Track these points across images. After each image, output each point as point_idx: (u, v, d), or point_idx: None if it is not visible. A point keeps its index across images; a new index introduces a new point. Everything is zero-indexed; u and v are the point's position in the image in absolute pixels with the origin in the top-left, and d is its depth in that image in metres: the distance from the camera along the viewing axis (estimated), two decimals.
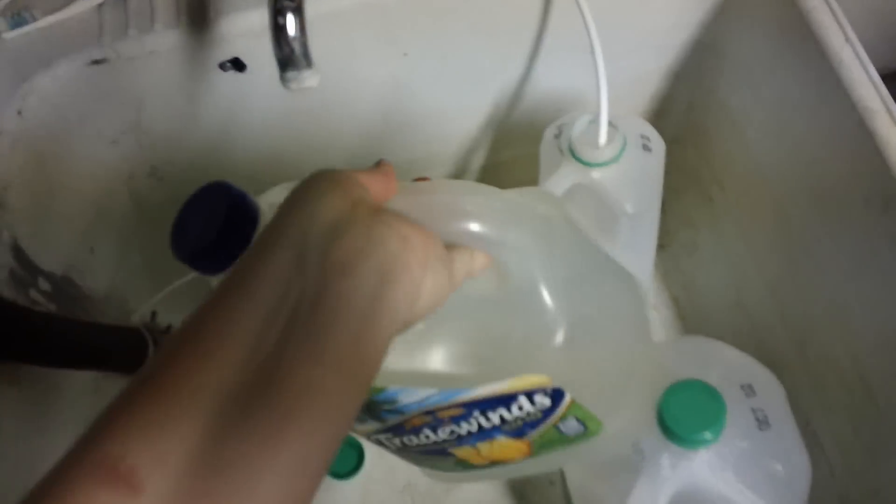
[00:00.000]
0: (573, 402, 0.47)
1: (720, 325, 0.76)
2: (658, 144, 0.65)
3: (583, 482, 0.59)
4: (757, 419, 0.54)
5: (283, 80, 0.48)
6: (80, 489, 0.25)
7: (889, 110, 0.53)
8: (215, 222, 0.43)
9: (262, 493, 0.27)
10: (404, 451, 0.55)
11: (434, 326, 0.43)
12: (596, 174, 0.63)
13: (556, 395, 0.47)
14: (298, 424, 0.28)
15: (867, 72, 0.55)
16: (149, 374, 0.28)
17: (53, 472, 0.26)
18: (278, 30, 0.46)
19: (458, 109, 0.74)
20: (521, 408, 0.47)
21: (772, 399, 0.56)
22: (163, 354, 0.29)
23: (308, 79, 0.48)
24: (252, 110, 0.68)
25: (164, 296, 0.66)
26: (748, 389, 0.55)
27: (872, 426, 0.59)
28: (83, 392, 0.62)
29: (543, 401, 0.47)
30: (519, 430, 0.50)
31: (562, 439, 0.51)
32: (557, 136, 0.66)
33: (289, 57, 0.47)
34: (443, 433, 0.51)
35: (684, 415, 0.49)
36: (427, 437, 0.51)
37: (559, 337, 0.43)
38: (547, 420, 0.49)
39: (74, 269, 0.61)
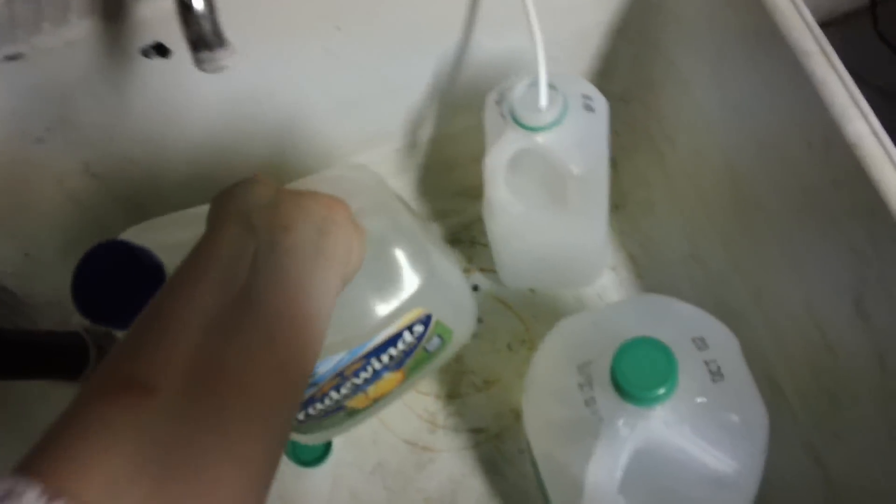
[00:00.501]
0: (437, 322, 0.60)
1: (678, 282, 0.76)
2: (601, 104, 0.64)
3: (547, 450, 0.59)
4: (710, 371, 0.53)
5: (196, 61, 0.47)
6: (105, 398, 0.30)
7: (824, 52, 0.52)
8: (124, 283, 0.47)
9: (257, 387, 0.33)
10: (301, 425, 0.61)
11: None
12: (540, 138, 0.62)
13: (427, 320, 0.59)
14: (272, 343, 0.35)
15: (802, 16, 0.54)
16: (147, 313, 0.35)
17: (82, 394, 0.31)
18: (185, 8, 0.44)
19: (399, 82, 0.73)
20: (404, 341, 0.59)
21: (725, 351, 0.55)
22: (155, 300, 0.35)
23: (222, 59, 0.47)
24: (186, 97, 0.66)
25: None
26: (700, 342, 0.54)
27: (831, 371, 0.59)
28: (34, 399, 0.60)
29: (419, 328, 0.59)
30: (400, 361, 0.60)
31: (427, 357, 0.63)
32: (499, 102, 0.65)
33: (198, 36, 0.45)
34: (345, 389, 0.58)
35: (637, 373, 0.48)
36: (331, 398, 0.58)
37: (424, 276, 0.56)
38: (420, 344, 0.60)
39: (8, 276, 0.59)
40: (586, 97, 0.64)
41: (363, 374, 0.59)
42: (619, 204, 0.81)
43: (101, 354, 0.54)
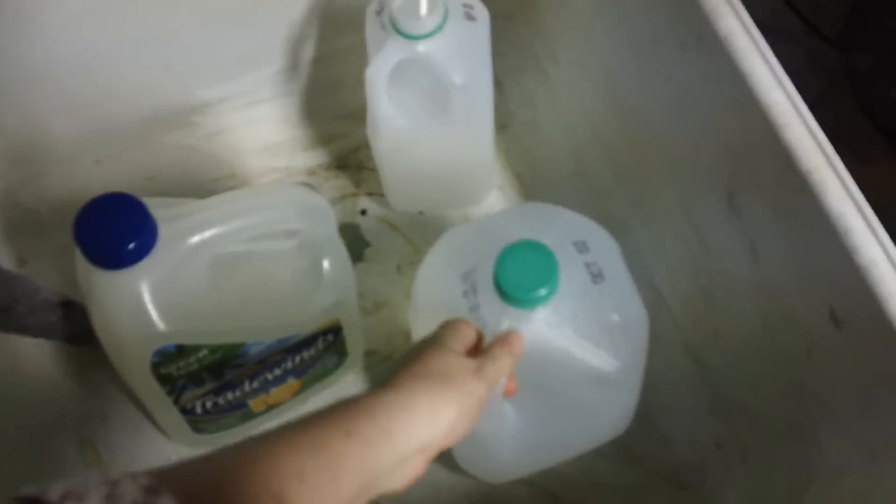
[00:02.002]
0: (343, 339, 0.65)
1: (564, 198, 0.75)
2: (482, 12, 0.64)
3: None
4: (591, 273, 0.54)
5: None
6: None
7: None
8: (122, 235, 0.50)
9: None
10: (206, 415, 0.63)
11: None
12: (421, 47, 0.61)
13: (338, 332, 0.63)
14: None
15: None
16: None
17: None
18: None
19: None
20: (317, 347, 0.63)
21: (606, 254, 0.56)
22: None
23: None
24: (41, 16, 0.62)
25: None
26: (581, 246, 0.55)
27: (706, 269, 0.61)
28: None
29: (329, 338, 0.63)
30: (305, 369, 0.64)
31: (323, 372, 0.67)
32: (379, 13, 0.64)
33: None
34: (257, 382, 0.62)
35: (518, 276, 0.49)
36: (243, 389, 0.62)
37: (350, 287, 0.62)
38: (324, 356, 0.64)
39: None
40: (467, 5, 0.63)
41: (276, 371, 0.62)
42: (505, 124, 0.81)
43: None
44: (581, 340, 0.53)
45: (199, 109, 0.77)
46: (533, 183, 0.79)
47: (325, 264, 0.59)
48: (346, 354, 0.67)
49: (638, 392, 0.61)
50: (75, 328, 0.64)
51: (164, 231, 0.51)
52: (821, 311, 0.50)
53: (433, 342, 0.44)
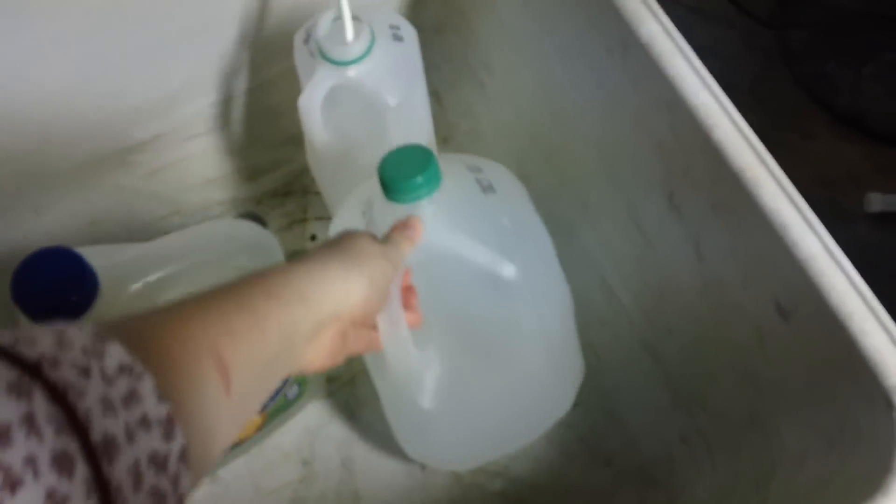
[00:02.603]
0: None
1: (491, 152, 0.76)
2: (409, 32, 0.63)
3: None
4: (481, 186, 0.56)
5: None
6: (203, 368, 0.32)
7: None
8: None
9: None
10: None
11: None
12: (351, 72, 0.60)
13: None
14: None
15: None
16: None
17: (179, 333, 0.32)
18: None
19: (199, 29, 0.69)
20: None
21: (500, 178, 0.58)
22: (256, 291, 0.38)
23: None
24: None
25: None
26: (475, 170, 0.58)
27: (654, 267, 0.62)
28: None
29: None
30: (265, 405, 0.64)
31: (284, 405, 0.66)
32: (306, 41, 0.63)
33: None
34: None
35: (398, 170, 0.51)
36: None
37: None
38: (284, 388, 0.64)
39: None
40: (394, 27, 0.63)
41: None
42: (446, 137, 0.81)
43: None
44: (470, 240, 0.54)
45: (136, 148, 0.76)
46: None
47: None
48: (305, 383, 0.67)
49: (558, 312, 0.60)
50: None
51: (105, 280, 0.50)
52: (767, 304, 0.50)
53: (348, 230, 0.47)
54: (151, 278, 0.53)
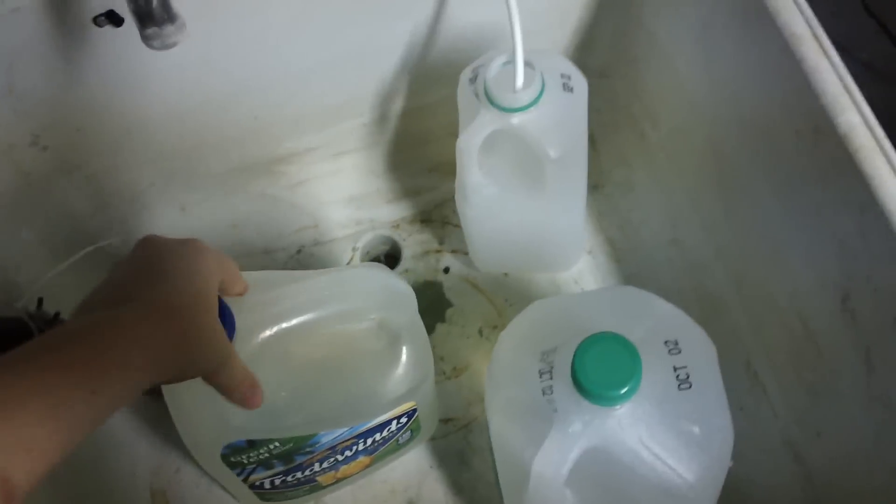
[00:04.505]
0: (416, 419, 0.62)
1: (657, 266, 0.73)
2: (580, 83, 0.61)
3: (502, 434, 0.56)
4: (678, 378, 0.51)
5: (144, 38, 0.43)
6: None
7: (816, 36, 0.49)
8: None
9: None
10: (273, 491, 0.62)
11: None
12: (515, 119, 0.58)
13: (412, 414, 0.61)
14: None
15: None
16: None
17: None
18: None
19: (367, 49, 0.69)
20: (390, 429, 0.61)
21: (698, 357, 0.52)
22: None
23: (172, 35, 0.43)
24: (141, 67, 0.62)
25: (58, 273, 0.61)
26: (673, 346, 0.52)
27: (813, 366, 0.57)
28: None
29: (404, 420, 0.61)
30: (375, 448, 0.62)
31: (396, 448, 0.65)
32: (473, 81, 0.62)
33: (144, 11, 0.42)
34: (327, 463, 0.60)
35: (598, 370, 0.46)
36: (313, 469, 0.60)
37: (426, 373, 0.59)
38: (396, 435, 0.62)
39: None
40: (565, 76, 0.60)
41: (347, 453, 0.60)
42: (597, 184, 0.78)
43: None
44: (655, 447, 0.50)
45: (284, 159, 0.77)
46: (625, 247, 0.75)
47: (404, 352, 0.57)
48: (419, 430, 0.65)
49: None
50: None
51: (241, 324, 0.50)
52: None
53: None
54: (285, 325, 0.52)
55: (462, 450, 0.70)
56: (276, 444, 0.54)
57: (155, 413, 0.71)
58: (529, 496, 0.52)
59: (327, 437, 0.56)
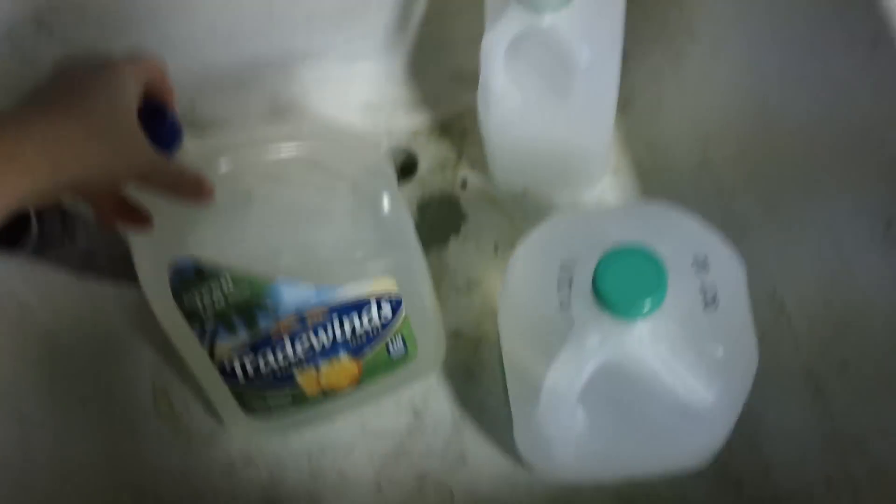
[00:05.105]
0: (406, 319, 0.59)
1: (684, 190, 0.70)
2: None
3: (513, 347, 0.55)
4: (704, 297, 0.48)
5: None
6: None
7: None
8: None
9: None
10: (250, 385, 0.60)
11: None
12: (546, 20, 0.55)
13: (397, 306, 0.58)
14: None
15: None
16: None
17: None
18: None
19: None
20: (369, 318, 0.58)
21: (726, 277, 0.50)
22: None
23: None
24: None
25: None
26: (701, 264, 0.49)
27: (845, 298, 0.55)
28: None
29: (387, 311, 0.58)
30: (360, 346, 0.60)
31: (386, 362, 0.62)
32: None
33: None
34: (300, 346, 0.58)
35: (620, 282, 0.43)
36: (284, 353, 0.58)
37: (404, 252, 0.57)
38: (384, 334, 0.59)
39: None
40: None
41: (322, 335, 0.58)
42: (627, 101, 0.74)
43: (41, 223, 0.49)
44: (675, 367, 0.48)
45: (299, 60, 0.73)
46: (651, 170, 0.72)
47: (379, 215, 0.54)
48: (413, 344, 0.62)
49: (729, 432, 0.55)
50: None
51: (200, 151, 0.49)
52: None
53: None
54: (251, 159, 0.51)
55: (470, 365, 0.68)
56: (230, 282, 0.53)
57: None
58: (540, 412, 0.50)
59: (291, 295, 0.54)
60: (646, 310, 0.43)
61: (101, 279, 0.60)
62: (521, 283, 0.53)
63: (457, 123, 0.77)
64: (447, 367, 0.68)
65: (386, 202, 0.54)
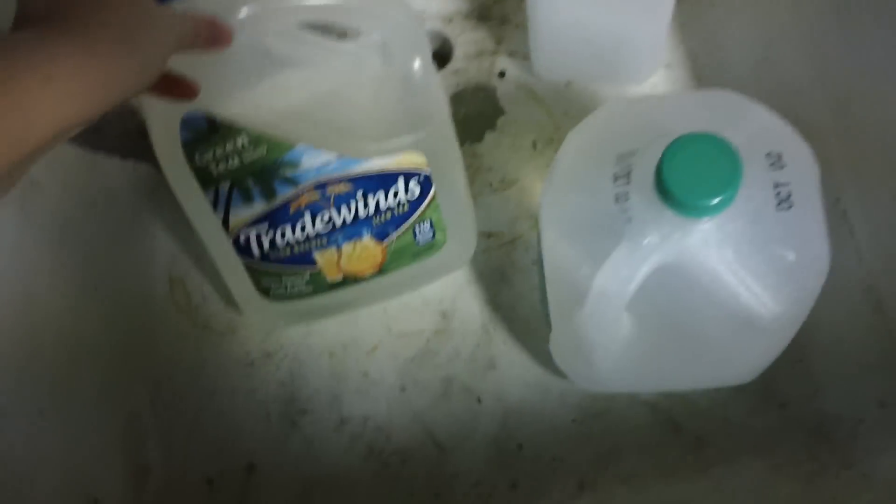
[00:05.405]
0: (435, 201, 0.56)
1: (743, 87, 0.63)
2: None
3: (557, 243, 0.50)
4: (778, 196, 0.44)
5: None
6: None
7: None
8: None
9: None
10: (266, 261, 0.56)
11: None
12: None
13: (426, 185, 0.55)
14: None
15: None
16: None
17: None
18: None
19: None
20: (395, 194, 0.54)
21: (801, 176, 0.45)
22: None
23: None
24: None
25: None
26: (775, 159, 0.44)
27: None
28: None
29: (415, 189, 0.54)
30: (384, 227, 0.56)
31: (412, 250, 0.58)
32: None
33: None
34: (320, 222, 0.54)
35: (689, 175, 0.39)
36: (303, 227, 0.54)
37: (436, 127, 0.52)
38: (411, 215, 0.56)
39: None
40: None
41: (344, 211, 0.54)
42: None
43: None
44: (741, 271, 0.44)
45: None
46: (708, 65, 0.67)
47: (407, 81, 0.50)
48: (442, 231, 0.58)
49: (785, 345, 0.51)
50: None
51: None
52: None
53: None
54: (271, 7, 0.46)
55: (503, 267, 0.64)
56: (244, 140, 0.49)
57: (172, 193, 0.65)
58: (585, 315, 0.46)
59: (311, 161, 0.51)
60: (715, 206, 0.39)
61: (111, 155, 0.56)
62: (570, 175, 0.48)
63: (496, 8, 0.71)
64: (477, 269, 0.65)
65: (417, 68, 0.49)
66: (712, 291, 0.44)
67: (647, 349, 0.50)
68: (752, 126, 0.46)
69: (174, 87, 0.44)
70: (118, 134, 0.55)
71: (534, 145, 0.67)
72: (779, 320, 0.44)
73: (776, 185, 0.44)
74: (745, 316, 0.44)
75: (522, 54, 0.69)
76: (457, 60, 0.70)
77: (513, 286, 0.64)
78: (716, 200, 0.39)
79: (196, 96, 0.44)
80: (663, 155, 0.39)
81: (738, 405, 0.60)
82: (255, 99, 0.48)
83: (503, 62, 0.70)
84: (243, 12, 0.46)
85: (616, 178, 0.45)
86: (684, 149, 0.39)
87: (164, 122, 0.49)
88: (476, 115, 0.68)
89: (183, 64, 0.44)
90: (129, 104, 0.57)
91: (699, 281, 0.44)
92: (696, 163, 0.39)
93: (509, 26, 0.70)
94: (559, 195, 0.49)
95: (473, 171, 0.66)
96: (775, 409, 0.59)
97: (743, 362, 0.52)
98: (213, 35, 0.42)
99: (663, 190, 0.39)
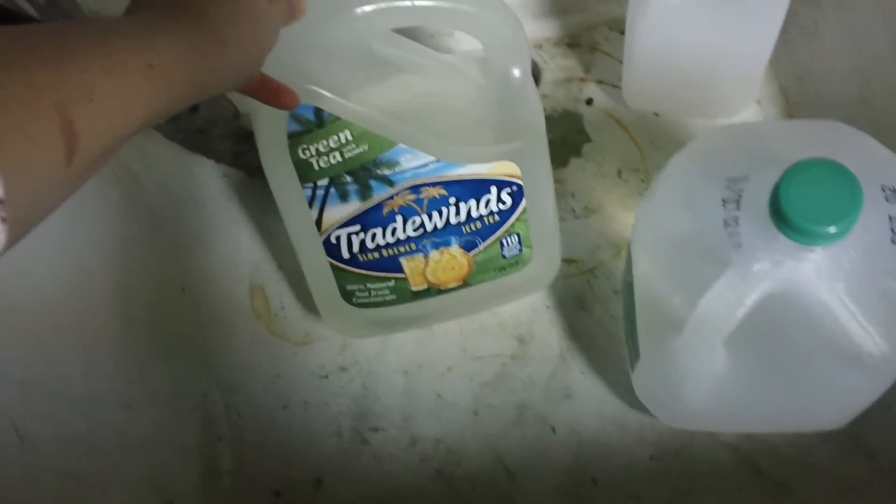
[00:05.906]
0: (523, 214, 0.56)
1: None
2: None
3: (653, 267, 0.49)
4: (893, 230, 0.43)
5: None
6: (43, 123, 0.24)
7: None
8: None
9: None
10: (353, 263, 0.56)
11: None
12: None
13: (517, 196, 0.55)
14: None
15: None
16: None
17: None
18: None
19: None
20: (487, 203, 0.54)
21: None
22: None
23: None
24: None
25: None
26: (891, 192, 0.43)
27: None
28: None
29: (506, 199, 0.55)
30: (472, 237, 0.56)
31: (497, 263, 0.58)
32: None
33: None
34: (411, 227, 0.55)
35: (806, 200, 0.38)
36: (394, 231, 0.55)
37: (532, 138, 0.53)
38: (500, 227, 0.56)
39: None
40: None
41: (435, 217, 0.55)
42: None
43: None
44: (852, 305, 0.42)
45: None
46: (800, 102, 0.66)
47: (507, 93, 0.50)
48: (529, 246, 0.58)
49: (886, 388, 0.49)
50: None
51: None
52: None
53: None
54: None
55: (582, 294, 0.63)
56: (348, 134, 0.50)
57: (259, 200, 0.65)
58: (680, 344, 0.45)
59: (409, 162, 0.52)
60: (833, 234, 0.38)
61: (209, 157, 0.56)
62: (672, 199, 0.48)
63: (586, 36, 0.71)
64: (556, 295, 0.64)
65: (516, 78, 0.50)
66: (820, 325, 0.42)
67: (741, 384, 0.48)
68: (865, 157, 0.45)
69: (278, 94, 0.44)
70: (222, 136, 0.55)
71: (619, 174, 0.66)
72: (888, 359, 0.43)
73: (891, 219, 0.43)
74: (853, 353, 0.43)
75: (611, 83, 0.68)
76: (545, 86, 0.70)
77: (591, 314, 0.63)
78: (834, 228, 0.37)
79: (296, 106, 0.44)
80: (781, 179, 0.38)
81: (823, 452, 0.58)
82: (361, 95, 0.49)
83: (591, 90, 0.69)
84: (351, 12, 0.46)
85: (725, 202, 0.44)
86: (803, 174, 0.38)
87: (272, 112, 0.49)
88: (561, 140, 0.68)
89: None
90: (236, 109, 0.57)
91: (807, 313, 0.42)
92: (815, 189, 0.38)
93: (598, 54, 0.70)
94: (658, 219, 0.48)
95: (557, 196, 0.65)
96: (862, 459, 0.57)
97: (840, 405, 0.50)
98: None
99: (779, 215, 0.38)
